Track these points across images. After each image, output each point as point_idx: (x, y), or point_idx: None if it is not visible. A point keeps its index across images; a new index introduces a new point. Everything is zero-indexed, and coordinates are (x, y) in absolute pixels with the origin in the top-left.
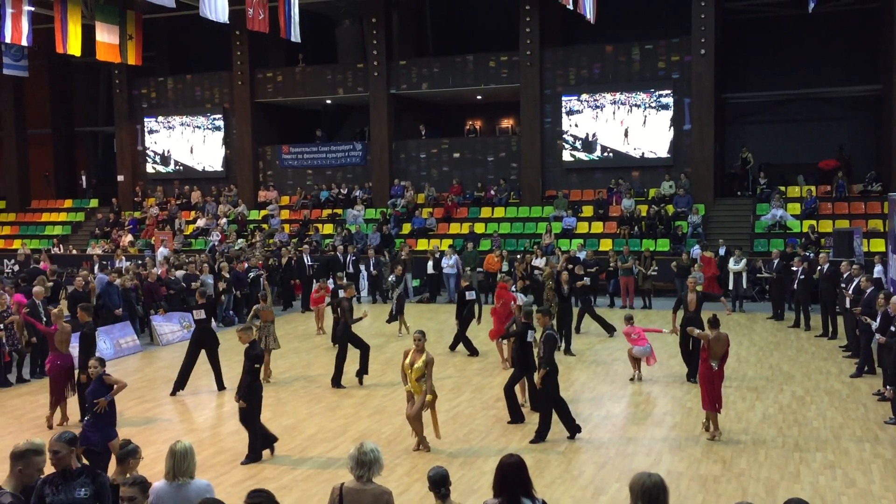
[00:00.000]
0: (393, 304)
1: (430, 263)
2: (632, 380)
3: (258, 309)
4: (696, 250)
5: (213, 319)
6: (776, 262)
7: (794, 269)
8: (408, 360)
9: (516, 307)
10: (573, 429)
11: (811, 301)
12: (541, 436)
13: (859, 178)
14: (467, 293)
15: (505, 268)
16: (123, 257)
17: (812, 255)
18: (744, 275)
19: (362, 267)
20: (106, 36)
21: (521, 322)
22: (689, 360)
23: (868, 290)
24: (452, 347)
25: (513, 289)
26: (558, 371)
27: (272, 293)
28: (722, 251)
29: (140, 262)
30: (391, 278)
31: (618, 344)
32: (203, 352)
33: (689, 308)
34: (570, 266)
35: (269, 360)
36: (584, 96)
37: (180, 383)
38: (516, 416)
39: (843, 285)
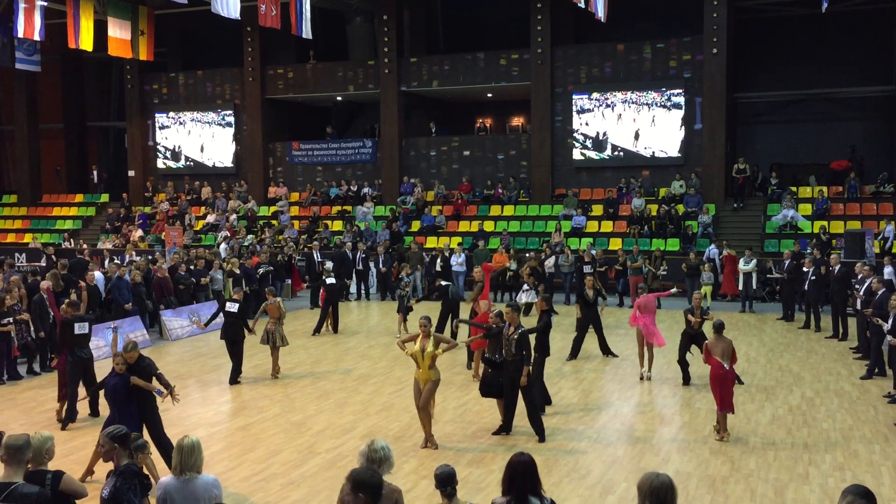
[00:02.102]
0: (403, 301)
1: (438, 261)
2: (641, 379)
3: (265, 305)
4: (712, 250)
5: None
6: (787, 262)
7: (805, 269)
8: (417, 347)
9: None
10: (507, 427)
11: (822, 302)
12: (540, 434)
13: (871, 178)
14: (443, 282)
15: (513, 266)
16: (134, 252)
17: (814, 252)
18: (754, 275)
19: (371, 264)
20: (118, 31)
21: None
22: (685, 365)
23: (880, 292)
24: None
25: (525, 287)
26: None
27: (280, 289)
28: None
29: (150, 256)
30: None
31: (627, 343)
32: (235, 343)
33: (693, 327)
34: (582, 265)
35: (277, 356)
36: (595, 95)
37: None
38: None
39: (855, 287)
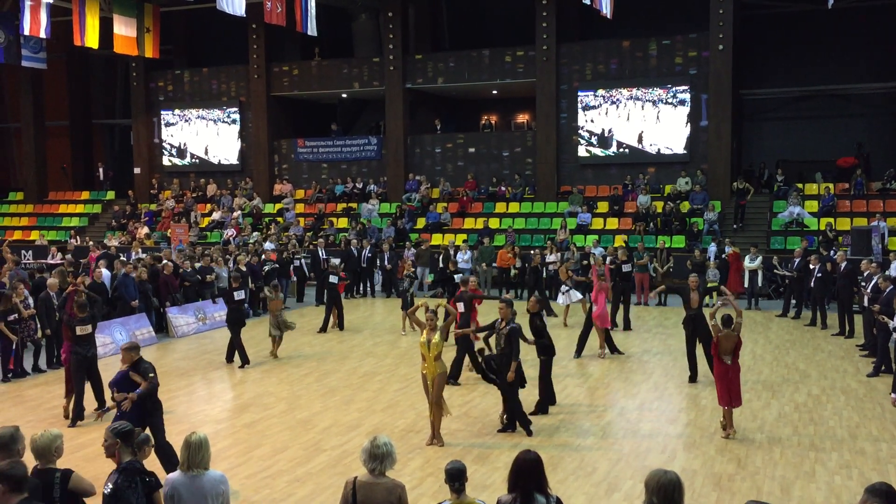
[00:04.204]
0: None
1: (442, 258)
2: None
3: (269, 299)
4: (712, 248)
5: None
6: (798, 261)
7: (812, 267)
8: (423, 338)
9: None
10: (512, 425)
11: (828, 299)
12: (525, 427)
13: (878, 175)
14: (455, 277)
15: (518, 264)
16: (140, 249)
17: (819, 249)
18: (759, 272)
19: (376, 261)
20: (124, 29)
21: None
22: (694, 362)
23: (887, 290)
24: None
25: (563, 288)
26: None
27: (285, 287)
28: (728, 250)
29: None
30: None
31: (633, 340)
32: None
33: (692, 305)
34: (612, 265)
35: (280, 340)
36: (601, 91)
37: (243, 358)
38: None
39: (862, 284)
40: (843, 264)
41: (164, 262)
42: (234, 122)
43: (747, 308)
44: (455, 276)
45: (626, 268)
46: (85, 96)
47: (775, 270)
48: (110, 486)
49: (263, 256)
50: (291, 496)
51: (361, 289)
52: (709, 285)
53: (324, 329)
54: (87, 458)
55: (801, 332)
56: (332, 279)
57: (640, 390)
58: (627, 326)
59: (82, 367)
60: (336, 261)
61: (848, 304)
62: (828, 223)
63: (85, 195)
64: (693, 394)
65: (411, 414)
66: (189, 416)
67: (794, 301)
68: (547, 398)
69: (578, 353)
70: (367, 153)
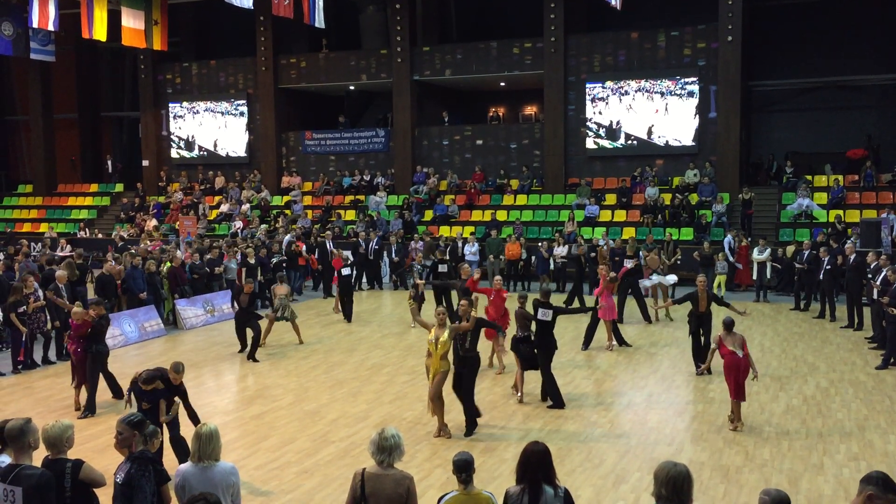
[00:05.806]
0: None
1: (448, 250)
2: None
3: (274, 287)
4: (728, 240)
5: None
6: (807, 253)
7: (822, 259)
8: (432, 335)
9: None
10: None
11: (837, 292)
12: (469, 429)
13: (887, 167)
14: (439, 266)
15: (524, 255)
16: (148, 241)
17: (830, 242)
18: (768, 265)
19: (384, 253)
20: (132, 21)
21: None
22: (698, 356)
23: None
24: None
25: (654, 277)
26: (480, 363)
27: (294, 279)
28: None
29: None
30: (416, 266)
31: (641, 332)
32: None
33: (700, 308)
34: (617, 258)
35: (297, 328)
36: (609, 83)
37: (242, 344)
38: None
39: (870, 276)
40: (852, 257)
41: (176, 254)
42: (241, 114)
43: (756, 300)
44: (439, 266)
45: (629, 263)
46: (93, 89)
47: (777, 257)
48: (122, 475)
49: (280, 247)
50: (299, 488)
51: (366, 280)
52: (717, 278)
53: (347, 317)
54: (97, 449)
55: (809, 324)
56: (345, 271)
57: (648, 382)
58: (647, 319)
59: (98, 364)
60: (346, 253)
61: (857, 297)
62: (837, 215)
63: (93, 188)
64: (701, 386)
65: (419, 406)
66: (198, 407)
67: (802, 293)
68: (556, 402)
69: (586, 345)
70: (374, 145)
